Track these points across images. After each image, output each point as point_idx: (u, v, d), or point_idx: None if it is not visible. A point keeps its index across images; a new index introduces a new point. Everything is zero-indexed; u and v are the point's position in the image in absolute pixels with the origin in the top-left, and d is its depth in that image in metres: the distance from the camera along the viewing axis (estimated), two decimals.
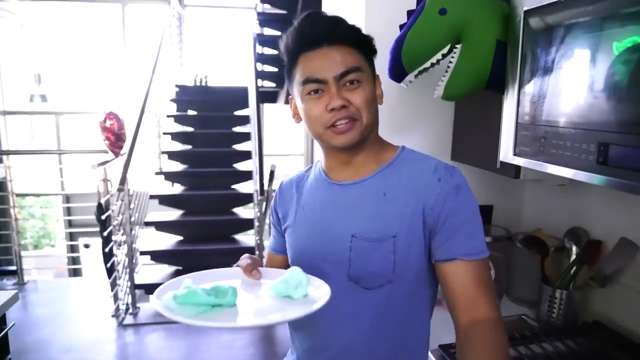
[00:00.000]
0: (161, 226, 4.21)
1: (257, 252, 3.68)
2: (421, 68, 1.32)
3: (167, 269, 4.16)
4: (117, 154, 3.59)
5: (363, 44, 0.94)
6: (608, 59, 0.88)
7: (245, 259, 0.98)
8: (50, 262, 7.49)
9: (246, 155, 4.82)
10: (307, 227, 1.03)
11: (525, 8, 1.09)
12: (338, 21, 0.93)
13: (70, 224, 6.55)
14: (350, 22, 0.95)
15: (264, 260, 1.16)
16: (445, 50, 1.28)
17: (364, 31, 0.95)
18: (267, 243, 3.84)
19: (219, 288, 0.84)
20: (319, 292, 0.86)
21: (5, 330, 1.75)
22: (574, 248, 1.50)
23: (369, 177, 0.96)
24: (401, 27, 1.33)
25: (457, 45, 1.28)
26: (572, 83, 0.96)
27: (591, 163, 0.91)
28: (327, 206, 1.00)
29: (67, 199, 6.54)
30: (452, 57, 1.29)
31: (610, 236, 1.42)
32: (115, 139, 3.48)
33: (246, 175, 4.73)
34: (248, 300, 0.88)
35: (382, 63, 1.20)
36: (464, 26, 1.24)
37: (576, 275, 1.45)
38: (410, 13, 1.31)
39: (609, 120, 0.87)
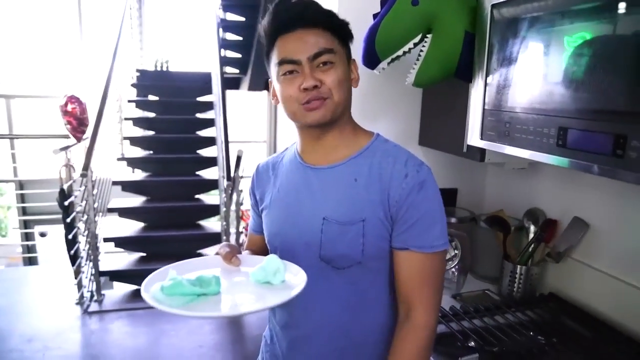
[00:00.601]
0: (125, 213, 4.14)
1: (223, 238, 3.69)
2: (394, 56, 1.37)
3: (131, 255, 4.10)
4: (79, 139, 3.49)
5: (337, 28, 0.97)
6: (564, 51, 0.97)
7: (224, 247, 1.01)
8: (1, 251, 7.21)
9: (210, 142, 4.79)
10: (281, 209, 1.06)
11: (492, 2, 1.17)
12: (311, 4, 0.97)
13: (24, 211, 6.30)
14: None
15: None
16: (416, 40, 1.34)
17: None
18: (234, 230, 3.82)
19: (203, 278, 0.88)
20: (296, 278, 0.91)
21: None
22: (532, 227, 1.61)
23: (341, 163, 1.00)
24: (375, 16, 1.38)
25: (427, 35, 1.34)
26: (535, 72, 1.05)
27: (551, 146, 1.00)
28: (300, 189, 1.03)
29: (21, 185, 6.28)
30: (423, 46, 1.35)
31: (565, 216, 1.53)
32: (78, 124, 3.37)
33: (210, 162, 4.70)
34: (230, 288, 0.92)
35: (357, 51, 1.25)
36: (434, 17, 1.30)
37: (534, 252, 1.56)
38: (383, 3, 1.36)
39: (568, 107, 0.96)
